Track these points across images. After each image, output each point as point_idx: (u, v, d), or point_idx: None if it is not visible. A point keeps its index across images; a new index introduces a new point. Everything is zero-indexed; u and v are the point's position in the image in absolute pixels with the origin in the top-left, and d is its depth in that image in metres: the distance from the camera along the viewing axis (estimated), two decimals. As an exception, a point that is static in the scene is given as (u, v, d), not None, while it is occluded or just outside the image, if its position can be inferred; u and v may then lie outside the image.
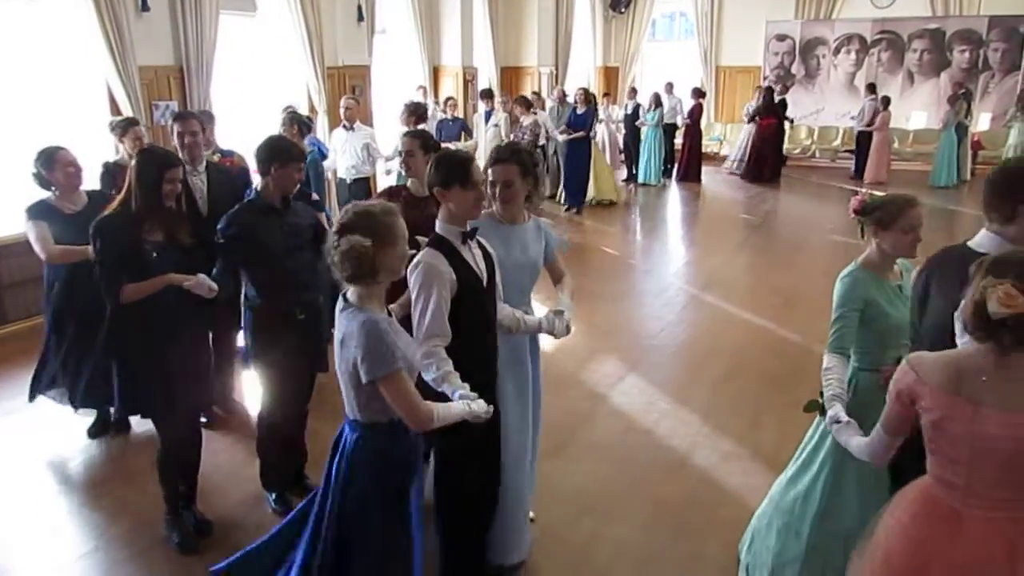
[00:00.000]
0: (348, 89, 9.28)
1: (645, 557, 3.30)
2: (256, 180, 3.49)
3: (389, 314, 2.32)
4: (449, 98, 10.76)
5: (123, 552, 3.34)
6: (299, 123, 6.29)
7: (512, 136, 9.57)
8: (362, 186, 7.44)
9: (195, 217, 3.78)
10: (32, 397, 4.32)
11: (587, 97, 10.55)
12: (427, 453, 2.75)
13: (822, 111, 15.20)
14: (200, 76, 7.48)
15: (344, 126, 7.43)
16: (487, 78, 13.02)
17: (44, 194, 4.00)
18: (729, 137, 15.64)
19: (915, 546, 1.93)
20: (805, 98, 15.08)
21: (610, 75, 16.83)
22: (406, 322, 2.54)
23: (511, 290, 2.90)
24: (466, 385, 2.42)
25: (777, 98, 13.55)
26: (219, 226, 3.28)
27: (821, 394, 2.54)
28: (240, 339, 4.00)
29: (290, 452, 3.67)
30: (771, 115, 13.38)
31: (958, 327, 1.91)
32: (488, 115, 10.70)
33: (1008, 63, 13.70)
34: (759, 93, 13.56)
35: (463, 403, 2.35)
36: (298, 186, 3.52)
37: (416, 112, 6.65)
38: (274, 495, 3.63)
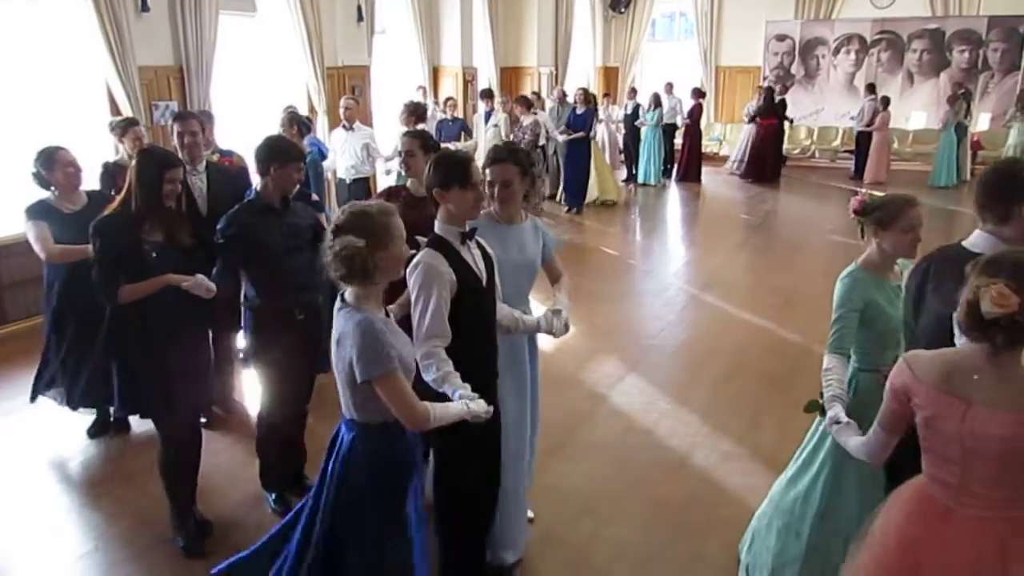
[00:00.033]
0: (348, 89, 9.28)
1: (645, 557, 3.30)
2: (256, 180, 3.49)
3: (387, 314, 2.32)
4: (449, 98, 10.76)
5: (123, 552, 3.34)
6: (299, 123, 6.30)
7: (512, 136, 9.57)
8: (361, 186, 7.44)
9: (195, 217, 3.78)
10: (34, 397, 4.32)
11: (587, 97, 10.56)
12: (426, 453, 2.75)
13: (822, 111, 15.21)
14: (200, 76, 7.48)
15: (344, 126, 7.43)
16: (487, 78, 13.03)
17: (44, 194, 4.01)
18: (729, 137, 15.65)
19: (908, 545, 1.93)
20: (805, 98, 15.09)
21: (610, 75, 16.83)
22: (405, 322, 2.54)
23: (509, 290, 2.90)
24: (467, 385, 2.42)
25: (777, 98, 13.56)
26: (219, 226, 3.28)
27: (821, 394, 2.54)
28: (240, 339, 4.00)
29: (290, 452, 3.67)
30: (771, 115, 13.39)
31: (957, 327, 1.92)
32: (488, 115, 10.70)
33: (1008, 63, 13.71)
34: (759, 93, 13.57)
35: (462, 403, 2.34)
36: (298, 186, 3.52)
37: (416, 112, 6.66)
38: (274, 495, 3.64)
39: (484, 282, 2.66)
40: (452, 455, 2.72)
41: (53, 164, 3.94)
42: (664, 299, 7.03)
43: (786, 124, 13.84)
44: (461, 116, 10.98)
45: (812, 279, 7.21)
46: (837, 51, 14.89)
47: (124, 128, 4.88)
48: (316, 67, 8.98)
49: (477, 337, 2.65)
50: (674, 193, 12.95)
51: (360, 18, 9.79)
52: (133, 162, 3.20)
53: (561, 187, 11.06)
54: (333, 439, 2.36)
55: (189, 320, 3.21)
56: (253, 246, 3.27)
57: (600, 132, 12.18)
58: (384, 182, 8.40)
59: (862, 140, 13.37)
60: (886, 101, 13.05)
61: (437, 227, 2.62)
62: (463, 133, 10.14)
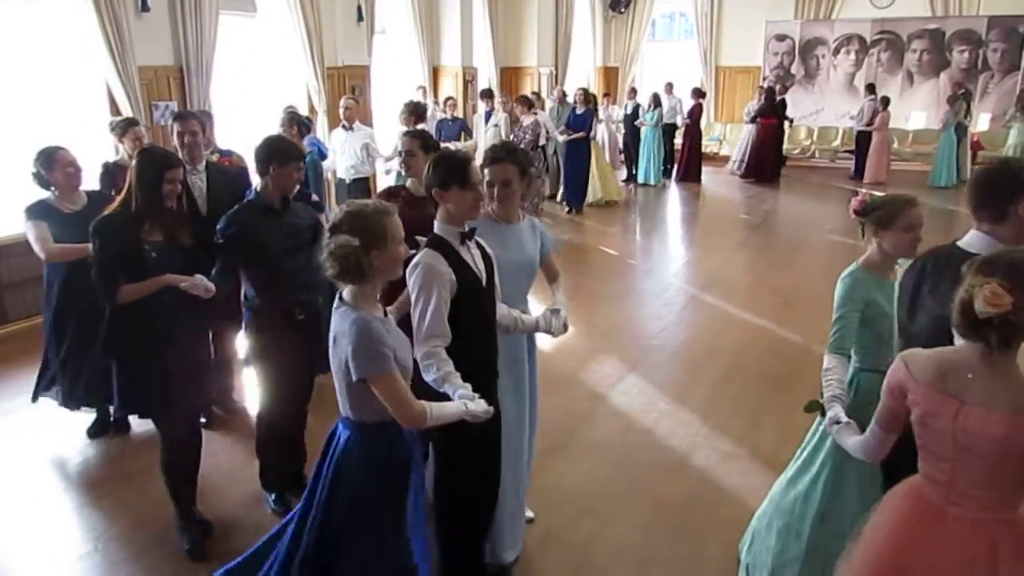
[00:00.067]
0: (348, 89, 9.29)
1: (645, 557, 3.30)
2: (255, 180, 3.49)
3: (385, 314, 2.32)
4: (449, 98, 10.76)
5: (123, 552, 3.34)
6: (298, 123, 6.30)
7: (512, 136, 9.57)
8: (361, 186, 7.44)
9: (195, 217, 3.78)
10: (35, 398, 4.33)
11: (586, 97, 10.56)
12: (426, 453, 2.75)
13: (822, 111, 15.21)
14: (200, 76, 7.48)
15: (343, 126, 7.43)
16: (487, 78, 13.03)
17: (44, 194, 4.01)
18: (729, 137, 15.66)
19: (900, 545, 1.94)
20: (805, 98, 15.09)
21: (610, 75, 16.83)
22: (405, 323, 2.54)
23: (509, 289, 2.90)
24: (467, 385, 2.41)
25: (777, 98, 13.56)
26: (218, 226, 3.27)
27: (821, 394, 2.54)
28: (240, 339, 4.00)
29: (289, 452, 3.67)
30: (771, 115, 13.40)
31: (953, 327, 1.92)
32: (488, 115, 10.70)
33: (1007, 63, 13.71)
34: (760, 93, 13.57)
35: (460, 402, 2.34)
36: (297, 187, 3.52)
37: (416, 112, 6.65)
38: (273, 495, 3.63)
39: (484, 282, 2.65)
40: (452, 455, 2.71)
41: (53, 164, 3.94)
42: (664, 299, 7.03)
43: (786, 124, 13.85)
44: (461, 116, 10.98)
45: (812, 279, 7.21)
46: (837, 51, 14.90)
47: (124, 128, 4.88)
48: (316, 67, 8.98)
49: (477, 337, 2.65)
50: (674, 193, 12.95)
51: (360, 18, 9.79)
52: (133, 162, 3.19)
53: (561, 187, 11.06)
54: (329, 438, 2.36)
55: (189, 320, 3.21)
56: (253, 246, 3.27)
57: (600, 132, 12.18)
58: (384, 182, 8.40)
59: (862, 140, 13.37)
60: (886, 101, 13.06)
61: (436, 227, 2.62)
62: (463, 133, 10.14)
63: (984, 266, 1.79)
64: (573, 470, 3.99)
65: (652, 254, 9.38)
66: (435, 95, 11.50)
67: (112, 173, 4.56)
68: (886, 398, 2.01)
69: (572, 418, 4.54)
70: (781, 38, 15.22)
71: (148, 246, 3.09)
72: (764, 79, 14.86)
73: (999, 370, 1.80)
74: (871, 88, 13.52)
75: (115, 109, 6.77)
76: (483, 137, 10.38)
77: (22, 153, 4.36)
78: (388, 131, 9.40)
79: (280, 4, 8.48)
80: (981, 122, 13.87)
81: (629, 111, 13.05)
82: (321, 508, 2.28)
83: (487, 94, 11.21)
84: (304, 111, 8.27)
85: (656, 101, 12.71)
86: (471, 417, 2.34)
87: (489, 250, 2.75)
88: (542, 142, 9.82)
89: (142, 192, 3.07)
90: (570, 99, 11.23)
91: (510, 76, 13.69)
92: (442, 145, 4.96)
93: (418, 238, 2.65)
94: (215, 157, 4.76)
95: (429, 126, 8.71)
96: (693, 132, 13.51)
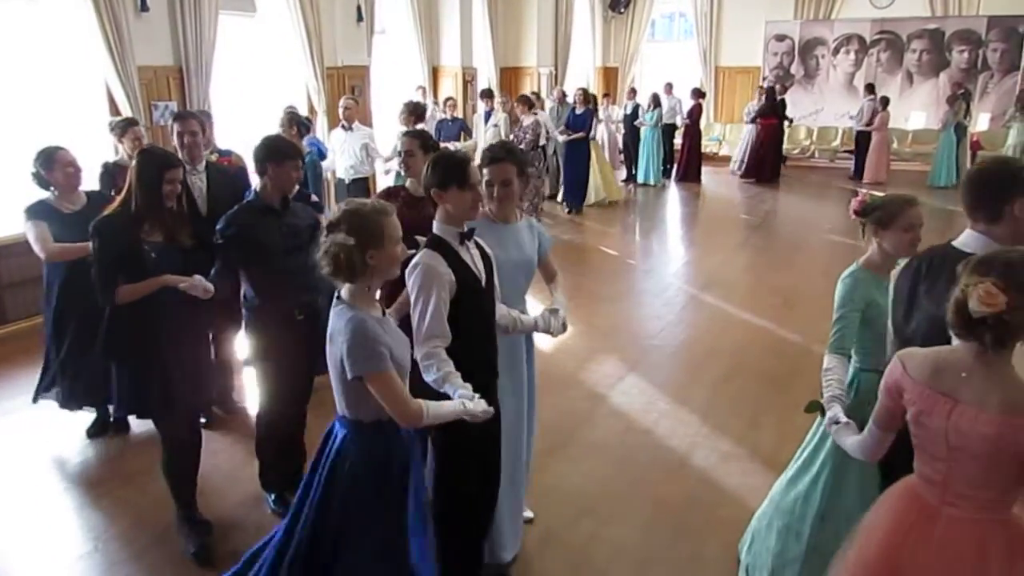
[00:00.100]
0: (347, 89, 9.28)
1: (644, 558, 3.30)
2: (255, 180, 3.49)
3: (384, 314, 2.32)
4: (448, 98, 10.76)
5: (123, 552, 3.34)
6: (298, 123, 6.31)
7: (512, 136, 9.57)
8: (361, 186, 7.44)
9: (195, 217, 3.78)
10: (36, 399, 4.32)
11: (586, 97, 10.56)
12: (425, 453, 2.75)
13: (821, 111, 15.21)
14: (199, 76, 7.48)
15: (343, 126, 7.43)
16: (486, 78, 13.02)
17: (43, 194, 4.01)
18: (728, 137, 15.66)
19: (895, 545, 1.95)
20: (804, 98, 15.09)
21: (610, 75, 16.83)
22: (405, 323, 2.54)
23: (507, 289, 2.90)
24: (468, 385, 2.41)
25: (777, 98, 13.56)
26: (218, 227, 3.27)
27: (821, 394, 2.54)
28: (240, 339, 4.00)
29: (289, 452, 3.66)
30: (771, 115, 13.40)
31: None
32: (488, 115, 10.70)
33: (1007, 63, 13.71)
34: (760, 93, 13.58)
35: (458, 401, 2.33)
36: (297, 187, 3.51)
37: (415, 112, 6.65)
38: (273, 495, 3.64)
39: (483, 282, 2.65)
40: (451, 455, 2.71)
41: (53, 164, 3.94)
42: (664, 299, 7.03)
43: (786, 124, 13.86)
44: (461, 116, 10.98)
45: (812, 279, 7.22)
46: (837, 51, 14.90)
47: (124, 128, 4.87)
48: (316, 67, 8.98)
49: (477, 337, 2.65)
50: (674, 193, 12.95)
51: (360, 18, 9.79)
52: (133, 162, 3.19)
53: (561, 187, 11.06)
54: (326, 436, 2.35)
55: (188, 320, 3.21)
56: (252, 246, 3.26)
57: (600, 132, 12.18)
58: (383, 182, 8.39)
59: (861, 140, 13.38)
60: (885, 101, 13.06)
61: (435, 227, 2.62)
62: (463, 133, 10.14)
63: (979, 266, 1.80)
64: (573, 470, 3.98)
65: (652, 254, 9.38)
66: (435, 95, 11.50)
67: (112, 173, 4.56)
68: (883, 397, 2.02)
69: (572, 418, 4.54)
70: (781, 38, 15.22)
71: (148, 246, 3.08)
72: (764, 79, 14.86)
73: (993, 370, 1.80)
74: (871, 88, 13.52)
75: (115, 109, 6.77)
76: (483, 137, 10.38)
77: (22, 153, 4.36)
78: (388, 131, 9.39)
79: (280, 4, 8.48)
80: (981, 122, 13.88)
81: (629, 111, 13.05)
82: (314, 508, 2.27)
83: (487, 94, 11.20)
84: (304, 111, 8.28)
85: (656, 101, 12.71)
86: (470, 417, 2.33)
87: (488, 250, 2.75)
88: (542, 142, 9.81)
89: (142, 192, 3.06)
90: (570, 99, 11.23)
91: (510, 76, 13.69)
92: (442, 145, 4.96)
93: (417, 238, 2.64)
94: (214, 157, 4.76)
95: (429, 126, 8.72)
96: (693, 132, 13.51)
